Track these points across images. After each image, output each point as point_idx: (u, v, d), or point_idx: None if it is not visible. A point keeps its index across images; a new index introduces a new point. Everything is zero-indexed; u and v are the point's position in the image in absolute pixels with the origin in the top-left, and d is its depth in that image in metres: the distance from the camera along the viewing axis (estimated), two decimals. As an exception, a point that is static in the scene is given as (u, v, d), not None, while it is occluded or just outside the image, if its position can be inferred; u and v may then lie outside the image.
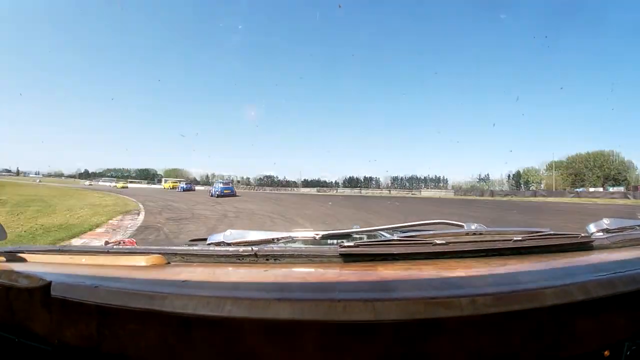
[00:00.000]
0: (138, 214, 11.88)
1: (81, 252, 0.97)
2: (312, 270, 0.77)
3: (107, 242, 1.07)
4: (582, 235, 1.04)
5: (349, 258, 0.84)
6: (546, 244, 0.96)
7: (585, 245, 1.01)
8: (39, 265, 0.92)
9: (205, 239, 1.06)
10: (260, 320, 0.56)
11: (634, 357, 0.65)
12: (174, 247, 0.92)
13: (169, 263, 0.87)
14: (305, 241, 1.05)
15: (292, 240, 1.01)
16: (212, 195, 22.93)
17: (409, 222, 1.16)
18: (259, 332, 0.57)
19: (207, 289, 0.66)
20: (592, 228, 1.18)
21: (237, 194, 23.68)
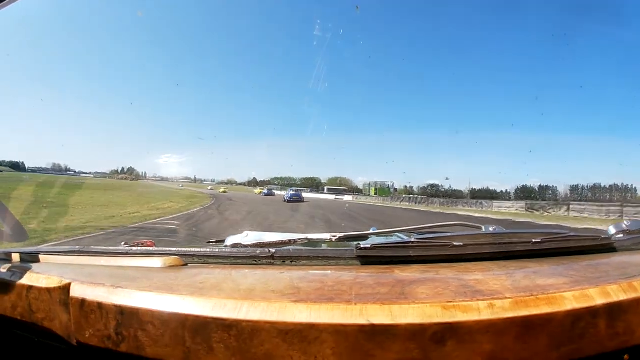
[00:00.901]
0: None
1: (100, 253, 0.99)
2: (328, 272, 0.77)
3: (125, 244, 1.09)
4: (603, 236, 1.01)
5: (365, 260, 0.84)
6: (566, 245, 0.94)
7: (606, 247, 0.98)
8: (59, 266, 0.94)
9: (223, 241, 1.07)
10: (276, 322, 0.57)
11: None
12: (192, 249, 0.94)
13: (186, 264, 0.88)
14: (322, 243, 1.05)
15: (309, 242, 1.01)
16: (284, 200, 25.46)
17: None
18: (276, 334, 0.57)
19: (224, 290, 0.66)
20: (612, 230, 1.14)
21: (303, 200, 26.98)
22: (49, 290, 0.76)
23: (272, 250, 0.87)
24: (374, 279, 0.71)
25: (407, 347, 0.55)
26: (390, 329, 0.55)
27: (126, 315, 0.66)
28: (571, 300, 0.59)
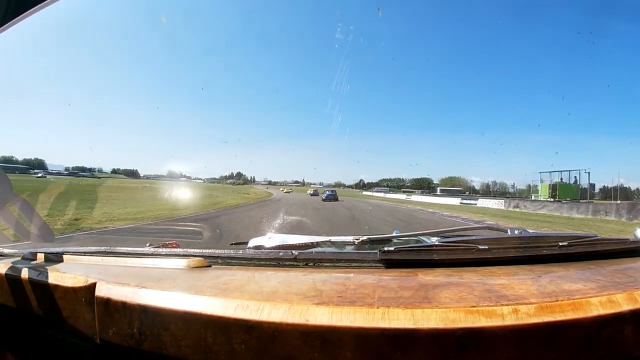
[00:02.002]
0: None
1: (125, 254, 1.02)
2: (351, 275, 0.76)
3: (150, 245, 1.12)
4: (631, 240, 0.97)
5: (389, 263, 0.83)
6: (593, 249, 0.90)
7: (635, 251, 0.95)
8: (85, 266, 0.96)
9: (246, 243, 1.08)
10: (298, 325, 0.57)
11: None
12: (216, 250, 0.95)
13: (210, 266, 0.90)
14: (345, 246, 1.05)
15: (332, 244, 1.01)
16: (322, 200, 26.08)
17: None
18: (297, 336, 0.57)
19: (247, 292, 0.67)
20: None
21: (337, 199, 27.26)
22: (74, 289, 0.78)
23: (295, 252, 0.88)
24: (397, 282, 0.71)
25: (429, 352, 0.54)
26: (412, 333, 0.54)
27: (150, 315, 0.67)
28: (597, 306, 0.57)
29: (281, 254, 0.89)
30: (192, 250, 0.96)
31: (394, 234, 1.12)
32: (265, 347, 0.59)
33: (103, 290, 0.74)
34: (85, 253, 1.07)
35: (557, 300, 0.58)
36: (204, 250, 0.95)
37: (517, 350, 0.55)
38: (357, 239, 0.98)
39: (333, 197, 26.19)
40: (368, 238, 0.98)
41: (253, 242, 1.03)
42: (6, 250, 1.12)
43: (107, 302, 0.72)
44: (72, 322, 0.80)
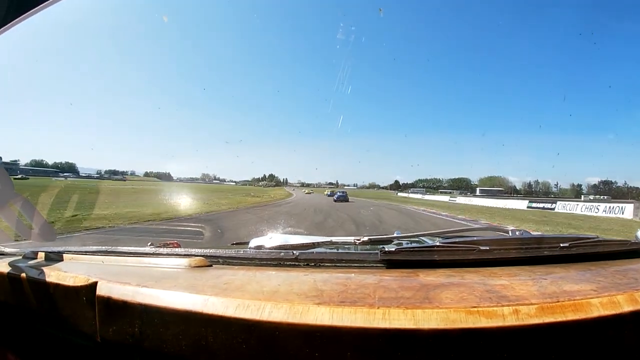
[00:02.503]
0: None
1: (126, 254, 1.02)
2: (352, 275, 0.77)
3: (151, 244, 1.12)
4: (632, 241, 0.98)
5: (389, 264, 0.83)
6: (594, 250, 0.90)
7: (636, 253, 0.94)
8: (86, 265, 0.97)
9: (247, 243, 1.09)
10: (299, 324, 0.57)
11: None
12: (217, 250, 0.95)
13: (211, 265, 0.90)
14: (346, 246, 1.05)
15: (333, 245, 1.02)
16: (334, 200, 27.91)
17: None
18: (298, 336, 0.57)
19: (248, 291, 0.67)
20: None
21: (348, 200, 29.16)
22: (75, 288, 0.79)
23: (296, 252, 0.88)
24: (397, 282, 0.71)
25: (429, 353, 0.54)
26: (413, 333, 0.54)
27: (150, 314, 0.67)
28: (598, 307, 0.57)
29: (282, 254, 0.89)
30: (193, 250, 0.96)
31: (394, 235, 1.12)
32: (265, 347, 0.59)
33: (104, 290, 0.75)
34: (86, 252, 1.08)
35: (558, 301, 0.58)
36: (205, 250, 0.95)
37: (517, 351, 0.55)
38: (358, 240, 0.98)
39: (343, 198, 28.28)
40: (369, 238, 0.98)
41: (254, 242, 1.03)
42: (7, 249, 1.12)
43: (108, 301, 0.73)
44: (73, 321, 0.80)
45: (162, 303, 0.67)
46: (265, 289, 0.68)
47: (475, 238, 0.92)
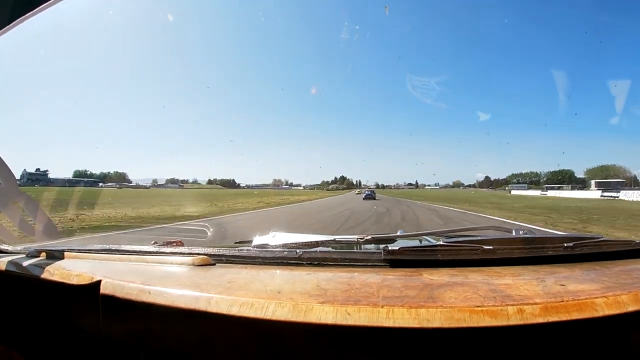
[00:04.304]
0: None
1: (130, 252, 1.02)
2: (355, 274, 0.76)
3: (155, 243, 1.12)
4: (637, 241, 0.97)
5: (393, 263, 0.83)
6: (598, 250, 0.90)
7: None
8: (90, 264, 0.97)
9: (250, 241, 1.09)
10: (303, 323, 0.57)
11: None
12: (220, 249, 0.96)
13: (214, 264, 0.90)
14: (349, 245, 1.05)
15: (336, 244, 1.02)
16: (363, 199, 28.88)
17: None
18: (301, 335, 0.58)
19: (252, 290, 0.67)
20: None
21: (375, 198, 30.47)
22: (79, 286, 0.79)
23: (299, 251, 0.88)
24: (401, 282, 0.70)
25: (433, 352, 0.54)
26: (416, 332, 0.54)
27: (154, 313, 0.68)
28: (602, 306, 0.57)
29: (285, 252, 0.89)
30: (197, 248, 0.96)
31: (398, 234, 1.12)
32: (269, 346, 0.59)
33: (108, 288, 0.75)
34: (90, 251, 1.08)
35: (563, 301, 0.57)
36: (209, 249, 0.95)
37: (522, 351, 0.55)
38: (361, 239, 0.98)
39: (371, 197, 30.26)
40: (372, 237, 0.98)
41: (257, 241, 1.03)
42: (11, 248, 1.13)
43: (112, 300, 0.73)
44: (77, 319, 0.81)
45: (166, 301, 0.67)
46: (269, 288, 0.68)
47: (478, 237, 0.92)
